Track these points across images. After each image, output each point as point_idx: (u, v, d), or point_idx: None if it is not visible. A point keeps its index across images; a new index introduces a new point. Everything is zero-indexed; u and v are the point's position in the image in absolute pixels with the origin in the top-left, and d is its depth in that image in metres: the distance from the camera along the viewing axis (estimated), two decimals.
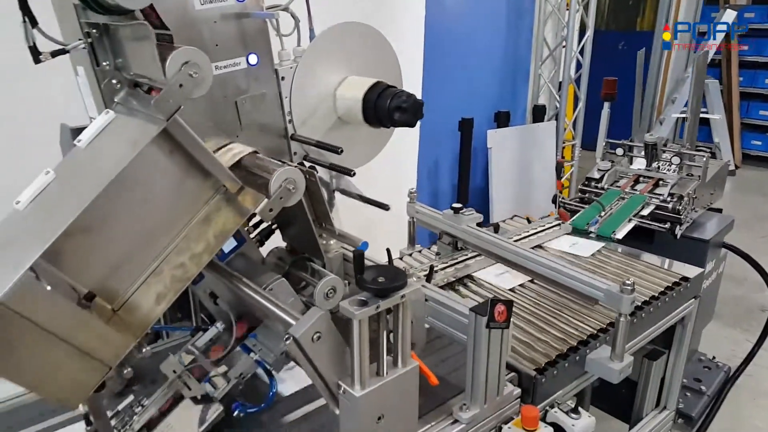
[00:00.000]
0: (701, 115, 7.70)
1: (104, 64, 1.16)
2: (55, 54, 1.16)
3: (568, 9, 5.16)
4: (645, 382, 2.47)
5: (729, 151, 7.41)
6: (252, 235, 1.58)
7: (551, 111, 5.47)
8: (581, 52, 5.35)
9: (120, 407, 1.42)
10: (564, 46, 5.27)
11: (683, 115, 7.29)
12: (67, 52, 1.17)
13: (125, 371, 1.52)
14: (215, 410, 1.39)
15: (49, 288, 0.99)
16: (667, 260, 2.49)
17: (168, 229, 1.15)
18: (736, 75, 7.38)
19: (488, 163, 4.95)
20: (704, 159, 2.85)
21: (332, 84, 1.48)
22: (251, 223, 1.60)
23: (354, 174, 1.41)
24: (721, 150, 7.47)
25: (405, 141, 3.95)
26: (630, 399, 2.58)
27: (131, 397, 1.46)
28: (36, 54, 1.14)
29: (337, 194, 1.75)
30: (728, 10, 6.33)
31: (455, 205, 2.26)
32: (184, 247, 1.17)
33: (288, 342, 1.11)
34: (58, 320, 1.02)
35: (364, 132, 1.53)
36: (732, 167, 7.44)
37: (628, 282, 1.71)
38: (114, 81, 1.17)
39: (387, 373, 1.21)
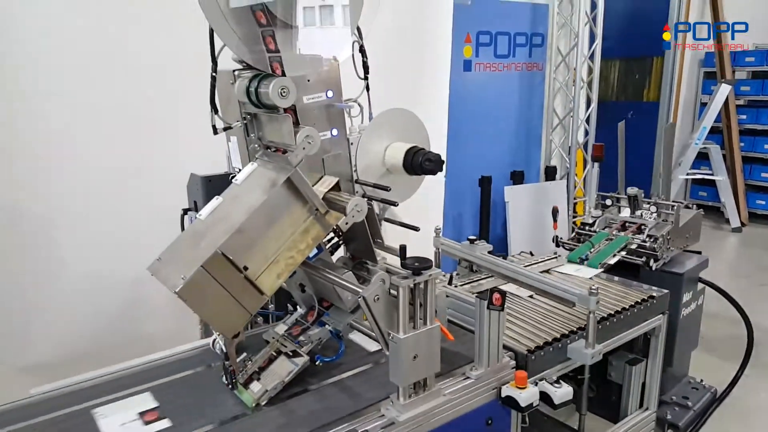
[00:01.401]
0: (707, 177, 8.37)
1: (251, 135, 1.94)
2: (225, 129, 1.94)
3: (574, 85, 5.97)
4: (628, 385, 3.08)
5: (734, 209, 8.01)
6: (327, 247, 2.31)
7: (562, 171, 6.20)
8: (587, 121, 6.12)
9: (239, 359, 2.12)
10: (572, 116, 6.05)
11: (688, 177, 7.97)
12: (231, 128, 1.95)
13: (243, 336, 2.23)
14: (303, 360, 2.08)
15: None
16: (644, 285, 3.14)
17: (283, 234, 1.88)
18: (737, 141, 8.05)
19: (506, 215, 5.67)
20: (675, 208, 3.52)
21: (382, 147, 2.24)
22: (325, 240, 2.33)
23: (397, 205, 2.14)
24: (727, 208, 8.08)
25: (431, 196, 4.70)
26: (619, 404, 3.18)
27: (244, 354, 2.16)
28: (215, 129, 1.92)
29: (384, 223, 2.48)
30: (723, 85, 7.08)
31: (471, 237, 2.97)
32: (293, 245, 1.90)
33: (359, 298, 1.82)
34: (228, 280, 1.75)
35: (403, 179, 2.27)
36: (738, 224, 8.01)
37: (593, 288, 2.38)
38: (256, 145, 1.95)
39: (419, 327, 1.90)
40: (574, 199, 6.17)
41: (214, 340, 2.31)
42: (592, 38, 6.09)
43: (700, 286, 3.65)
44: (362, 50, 2.11)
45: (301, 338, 2.17)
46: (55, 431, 1.91)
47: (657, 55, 7.95)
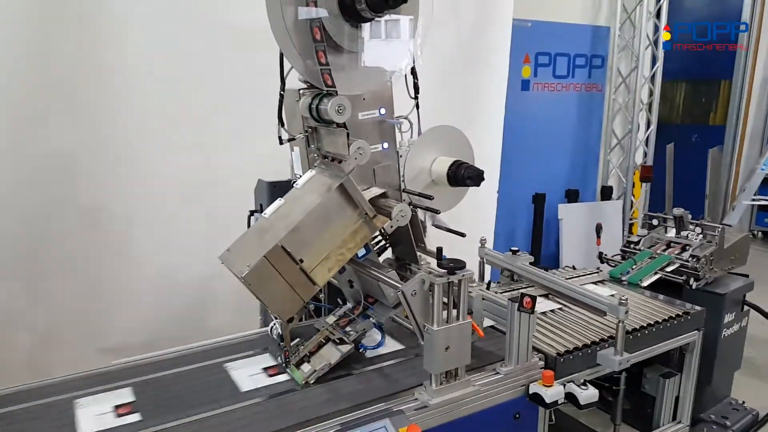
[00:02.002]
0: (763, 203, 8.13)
1: (312, 146, 2.22)
2: (289, 140, 2.24)
3: (633, 107, 6.04)
4: (662, 398, 3.18)
5: None
6: (375, 248, 2.56)
7: (619, 191, 6.25)
8: (646, 142, 6.16)
9: (292, 343, 2.40)
10: (630, 137, 6.11)
11: (753, 203, 7.81)
12: (294, 139, 2.24)
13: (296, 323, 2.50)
14: (348, 347, 2.34)
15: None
16: (678, 301, 3.24)
17: (336, 233, 2.15)
18: None
19: (559, 232, 5.78)
20: (720, 230, 3.59)
21: (429, 160, 2.49)
22: (373, 242, 2.59)
23: (439, 212, 2.37)
24: None
25: (483, 211, 4.90)
26: (650, 417, 3.28)
27: (297, 340, 2.44)
28: (281, 140, 2.22)
29: (430, 229, 2.71)
30: None
31: (513, 248, 3.16)
32: (343, 244, 2.17)
33: (399, 293, 2.07)
34: (286, 270, 2.03)
35: (447, 190, 2.51)
36: None
37: (623, 298, 2.53)
38: (315, 155, 2.23)
39: (452, 321, 2.13)
40: (630, 220, 6.20)
41: (272, 326, 2.59)
42: (653, 60, 6.14)
43: (744, 308, 3.69)
44: (413, 72, 2.36)
45: (348, 328, 2.43)
46: (149, 389, 2.26)
47: (725, 78, 7.85)
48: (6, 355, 3.49)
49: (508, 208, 5.21)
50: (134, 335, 3.75)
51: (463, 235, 2.53)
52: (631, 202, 6.19)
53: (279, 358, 2.39)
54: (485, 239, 3.36)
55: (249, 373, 2.35)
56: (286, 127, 2.24)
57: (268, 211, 2.15)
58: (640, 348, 2.84)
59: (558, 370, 2.53)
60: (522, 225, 5.73)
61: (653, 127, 6.11)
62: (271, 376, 2.33)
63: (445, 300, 2.11)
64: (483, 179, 2.41)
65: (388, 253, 2.63)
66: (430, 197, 2.32)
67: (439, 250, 2.16)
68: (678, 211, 3.78)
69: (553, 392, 2.39)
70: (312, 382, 2.26)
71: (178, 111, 3.62)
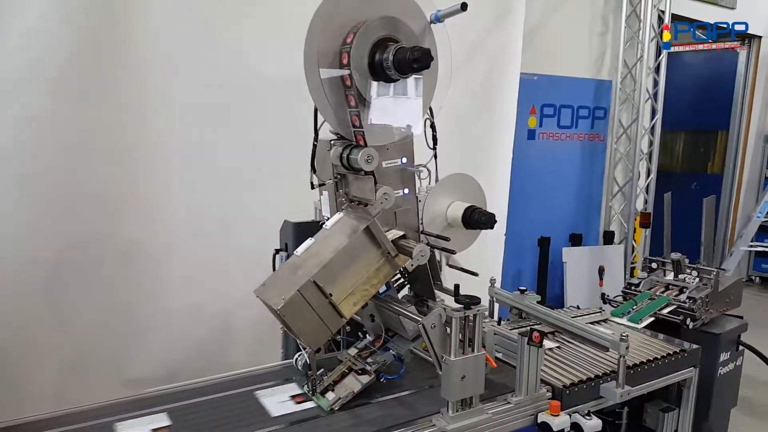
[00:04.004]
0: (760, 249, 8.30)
1: (340, 191, 2.46)
2: (320, 185, 2.48)
3: (634, 156, 6.32)
4: (661, 431, 3.33)
5: None
6: (394, 285, 2.77)
7: (621, 236, 6.48)
8: (646, 190, 6.41)
9: (318, 372, 2.59)
10: (631, 185, 6.36)
11: (750, 248, 8.01)
12: (324, 184, 2.48)
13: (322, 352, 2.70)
14: (369, 377, 2.53)
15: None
16: (677, 340, 3.43)
17: (361, 270, 2.36)
18: None
19: (563, 274, 5.98)
20: (715, 273, 3.80)
21: (445, 205, 2.72)
22: (393, 280, 2.80)
23: (455, 252, 2.59)
24: None
25: (491, 252, 5.12)
26: None
27: (321, 370, 2.63)
28: (312, 185, 2.46)
29: (445, 269, 2.93)
30: None
31: (521, 288, 3.37)
32: (367, 280, 2.38)
33: (419, 325, 2.27)
34: (317, 303, 2.24)
35: (462, 232, 2.73)
36: None
37: (624, 334, 2.72)
38: (343, 199, 2.47)
39: (467, 353, 2.32)
40: (632, 263, 6.40)
41: (297, 357, 2.79)
42: (653, 112, 6.44)
43: (739, 348, 3.87)
44: (432, 126, 2.61)
45: (369, 360, 2.62)
46: (184, 414, 2.44)
47: (722, 129, 8.16)
48: (31, 382, 3.65)
49: (515, 250, 5.44)
50: (158, 367, 3.93)
51: (476, 274, 2.75)
52: (632, 246, 6.41)
53: (305, 387, 2.58)
54: (494, 279, 3.57)
55: (278, 400, 2.53)
56: (317, 173, 2.48)
57: (300, 249, 2.37)
58: (640, 382, 3.02)
59: (564, 400, 2.71)
60: (528, 266, 5.94)
61: (653, 175, 6.38)
62: (298, 403, 2.51)
63: (461, 334, 2.31)
64: (495, 221, 2.63)
65: (405, 290, 2.85)
66: (446, 239, 2.54)
67: (457, 287, 2.37)
68: (675, 255, 3.99)
69: (560, 421, 2.57)
70: (337, 408, 2.44)
71: (213, 152, 3.89)
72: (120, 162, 3.70)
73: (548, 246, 5.73)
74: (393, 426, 2.32)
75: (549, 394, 2.70)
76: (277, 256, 3.24)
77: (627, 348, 2.72)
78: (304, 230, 3.01)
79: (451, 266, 2.89)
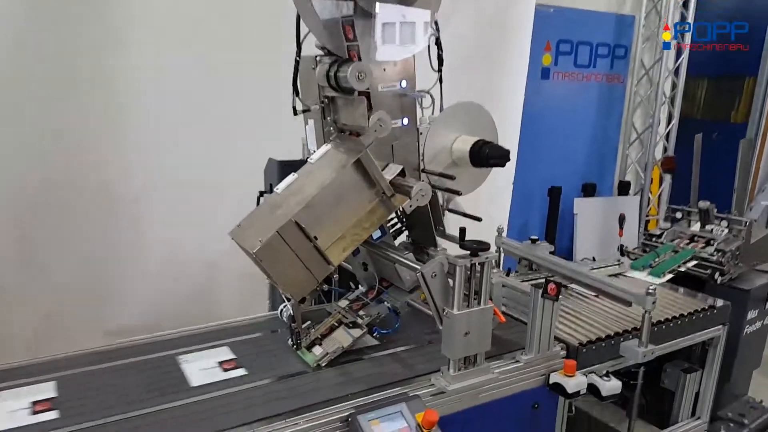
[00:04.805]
0: None
1: (328, 118, 2.12)
2: (303, 112, 2.14)
3: (656, 100, 5.88)
4: (681, 393, 3.07)
5: None
6: (390, 230, 2.46)
7: (637, 187, 6.12)
8: (667, 137, 6.01)
9: (303, 326, 2.30)
10: (651, 131, 5.96)
11: None
12: (309, 110, 2.14)
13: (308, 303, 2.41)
14: (360, 331, 2.24)
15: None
16: (702, 295, 3.14)
17: (351, 211, 2.04)
18: None
19: (574, 228, 5.65)
20: (747, 224, 3.46)
21: (451, 139, 2.37)
22: (389, 224, 2.48)
23: (461, 194, 2.26)
24: None
25: (497, 202, 4.78)
26: (670, 412, 3.17)
27: (308, 323, 2.34)
28: (295, 111, 2.12)
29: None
30: None
31: (532, 237, 3.06)
32: (358, 223, 2.06)
33: (417, 274, 1.96)
34: (300, 247, 1.93)
35: (469, 171, 2.39)
36: None
37: (651, 288, 2.42)
38: (331, 128, 2.13)
39: (472, 306, 2.02)
40: (647, 216, 6.06)
41: (282, 308, 2.50)
42: (678, 52, 5.99)
43: None
44: (438, 43, 2.24)
45: (361, 312, 2.33)
46: (141, 373, 2.15)
47: (750, 75, 7.65)
48: (6, 336, 3.42)
49: (523, 200, 5.10)
50: (141, 318, 3.67)
51: (479, 219, 2.42)
52: (649, 198, 6.06)
53: (290, 340, 2.30)
54: (502, 228, 3.25)
55: (200, 367, 2.18)
56: (300, 96, 2.14)
57: (281, 186, 2.05)
58: (663, 341, 2.73)
59: (579, 360, 2.43)
60: (536, 218, 5.61)
61: (675, 121, 5.96)
62: (225, 371, 2.16)
63: (466, 284, 2.01)
64: (508, 159, 2.30)
65: (403, 237, 2.53)
66: (451, 177, 2.21)
67: (462, 230, 2.06)
68: (704, 204, 3.65)
69: (575, 382, 2.29)
70: (324, 365, 2.16)
71: (188, 88, 3.53)
72: (86, 101, 3.36)
73: (559, 196, 5.38)
74: (386, 384, 2.04)
75: (563, 353, 2.41)
76: (262, 199, 2.92)
77: (654, 303, 2.43)
78: (290, 169, 2.66)
79: (452, 211, 2.56)
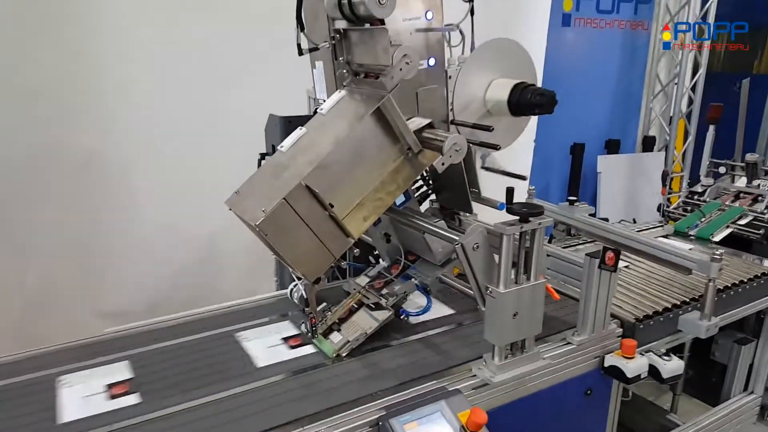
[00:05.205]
0: None
1: (340, 59, 1.75)
2: (311, 50, 1.77)
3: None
4: (734, 366, 2.76)
5: None
6: (416, 195, 2.11)
7: (661, 143, 5.74)
8: (693, 89, 5.59)
9: (318, 308, 1.97)
10: (676, 83, 5.55)
11: None
12: (318, 49, 1.76)
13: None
14: (387, 314, 1.90)
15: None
16: (757, 257, 2.81)
17: (372, 172, 1.69)
18: None
19: (597, 187, 5.29)
20: None
21: (483, 85, 2.00)
22: (413, 187, 2.13)
23: (500, 148, 1.90)
24: None
25: (518, 162, 4.40)
26: (720, 386, 2.87)
27: (324, 305, 2.01)
28: (300, 49, 1.75)
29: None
30: None
31: (570, 198, 2.70)
32: (381, 186, 1.71)
33: (457, 246, 1.62)
34: (313, 217, 1.58)
35: (505, 121, 2.03)
36: None
37: (717, 253, 2.08)
38: (344, 71, 1.76)
39: (521, 282, 1.68)
40: (671, 174, 5.68)
41: (292, 288, 2.17)
42: None
43: None
44: None
45: (385, 291, 2.00)
46: (149, 364, 1.86)
47: None
48: None
49: (543, 160, 4.72)
50: (134, 298, 3.35)
51: (523, 178, 2.09)
52: (674, 155, 5.67)
53: (303, 327, 1.97)
54: (533, 188, 2.90)
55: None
56: (306, 32, 1.76)
57: (286, 143, 1.70)
58: (722, 311, 2.40)
59: (636, 338, 2.10)
60: (557, 178, 5.23)
61: (702, 71, 5.53)
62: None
63: (515, 257, 1.67)
64: (555, 102, 1.93)
65: (427, 203, 2.19)
66: (488, 128, 1.85)
67: (510, 191, 1.70)
68: (752, 156, 3.30)
69: (636, 365, 1.98)
70: (344, 354, 1.83)
71: (180, 43, 3.14)
72: (70, 60, 2.98)
73: (582, 154, 5.01)
74: (420, 378, 1.72)
75: (619, 331, 2.08)
76: (264, 162, 2.56)
77: (720, 270, 2.10)
78: (294, 126, 2.31)
79: (488, 169, 2.21)
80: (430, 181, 2.11)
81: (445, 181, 1.99)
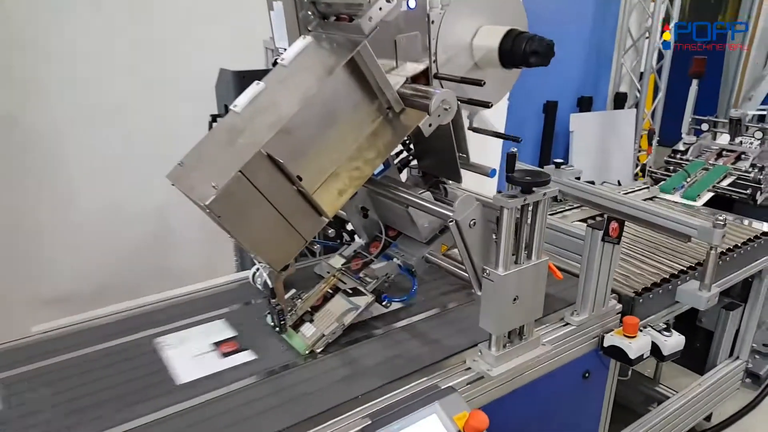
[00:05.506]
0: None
1: None
2: None
3: (653, 0, 5.24)
4: (721, 332, 2.64)
5: None
6: (395, 161, 1.84)
7: (632, 99, 5.58)
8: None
9: (286, 296, 1.70)
10: (647, 37, 5.36)
11: (760, 113, 7.21)
12: None
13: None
14: (366, 300, 1.65)
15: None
16: (747, 219, 2.68)
17: (347, 136, 1.42)
18: None
19: (569, 146, 5.11)
20: None
21: (470, 32, 1.72)
22: (393, 153, 1.86)
23: (491, 106, 1.65)
24: None
25: (493, 121, 4.16)
26: (705, 353, 2.75)
27: (293, 291, 1.75)
28: None
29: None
30: None
31: (557, 160, 2.48)
32: (358, 154, 1.45)
33: (451, 223, 1.37)
34: (277, 193, 1.31)
35: (493, 74, 1.77)
36: None
37: (720, 218, 1.90)
38: (309, 12, 1.46)
39: (522, 262, 1.45)
40: (642, 131, 5.54)
41: (255, 272, 1.90)
42: None
43: None
44: None
45: (363, 274, 1.74)
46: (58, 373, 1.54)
47: None
48: None
49: (517, 119, 4.48)
50: (78, 283, 3.01)
51: (518, 139, 1.84)
52: (644, 112, 5.51)
53: (268, 318, 1.70)
54: (515, 150, 2.68)
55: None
56: None
57: (241, 101, 1.40)
58: (717, 279, 2.24)
59: (635, 313, 1.93)
60: (529, 137, 5.01)
61: (673, 23, 5.33)
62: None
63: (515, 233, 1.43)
64: (554, 54, 1.68)
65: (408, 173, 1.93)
66: (479, 83, 1.59)
67: (511, 156, 1.46)
68: (737, 112, 3.14)
69: (639, 345, 1.80)
70: (319, 351, 1.58)
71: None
72: None
73: (555, 112, 4.80)
74: (408, 375, 1.49)
75: (619, 307, 1.89)
76: (215, 125, 2.25)
77: (723, 237, 1.92)
78: (250, 82, 2.00)
79: (476, 130, 1.96)
80: (411, 146, 1.84)
81: (430, 144, 1.73)
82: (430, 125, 1.46)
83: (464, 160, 1.78)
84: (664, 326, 1.95)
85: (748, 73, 7.58)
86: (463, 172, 1.74)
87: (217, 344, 1.63)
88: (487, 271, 1.42)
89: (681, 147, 3.28)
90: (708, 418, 2.82)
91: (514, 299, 1.45)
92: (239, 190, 1.27)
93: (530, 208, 1.42)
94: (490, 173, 1.78)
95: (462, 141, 1.74)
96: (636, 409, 2.65)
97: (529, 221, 1.44)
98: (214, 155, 1.37)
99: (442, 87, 1.68)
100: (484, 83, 1.57)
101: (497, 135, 1.85)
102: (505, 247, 1.39)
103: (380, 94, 1.43)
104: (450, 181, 1.78)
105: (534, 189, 1.39)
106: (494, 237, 1.48)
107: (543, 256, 1.49)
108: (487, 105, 1.64)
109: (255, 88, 1.42)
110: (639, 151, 5.58)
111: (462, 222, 1.37)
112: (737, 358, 2.76)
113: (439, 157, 1.75)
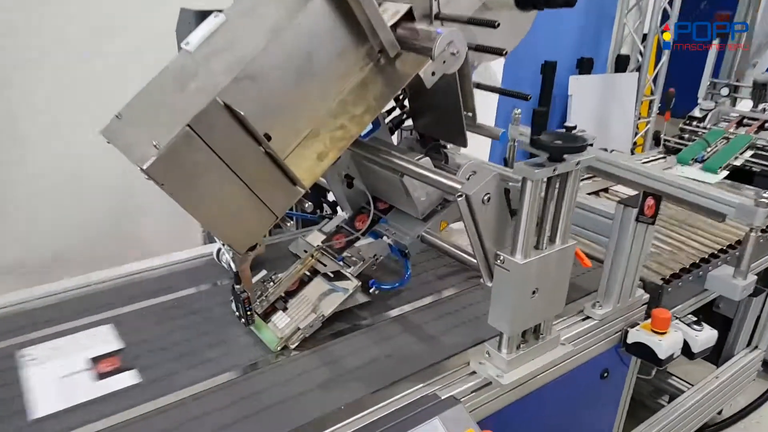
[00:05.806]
0: None
1: None
2: None
3: None
4: (741, 319, 2.40)
5: None
6: (386, 121, 1.54)
7: (634, 63, 5.27)
8: (670, 3, 5.08)
9: (256, 279, 1.43)
10: None
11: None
12: None
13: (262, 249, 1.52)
14: (351, 285, 1.37)
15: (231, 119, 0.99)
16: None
17: (328, 86, 1.13)
18: None
19: (567, 111, 4.81)
20: None
21: None
22: (384, 110, 1.57)
23: (506, 53, 1.35)
24: None
25: (486, 81, 3.86)
26: (720, 342, 2.51)
27: (263, 272, 1.47)
28: None
29: None
30: None
31: (568, 124, 2.18)
32: (341, 110, 1.15)
33: (460, 199, 1.09)
34: (238, 155, 1.01)
35: (506, 17, 1.46)
36: None
37: (765, 195, 1.64)
38: None
39: (544, 247, 1.18)
40: (643, 97, 5.25)
41: (219, 249, 1.61)
42: None
43: None
44: None
45: (347, 253, 1.46)
46: None
47: None
48: None
49: (512, 80, 4.17)
50: (34, 251, 2.69)
51: (525, 98, 1.56)
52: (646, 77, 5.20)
53: (233, 306, 1.42)
54: (519, 112, 2.40)
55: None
56: None
57: (193, 39, 1.09)
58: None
59: (663, 303, 1.67)
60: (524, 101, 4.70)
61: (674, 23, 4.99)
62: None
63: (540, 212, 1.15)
64: None
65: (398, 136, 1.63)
66: (492, 24, 1.29)
67: (540, 114, 1.17)
68: (763, 76, 2.85)
69: (670, 342, 1.53)
70: (294, 346, 1.31)
71: None
72: None
73: (553, 73, 4.48)
74: (401, 380, 1.22)
75: (646, 297, 1.63)
76: (161, 70, 1.91)
77: (767, 217, 1.66)
78: None
79: (479, 86, 1.66)
80: (405, 102, 1.54)
81: (430, 100, 1.43)
82: (433, 74, 1.17)
83: (470, 120, 1.48)
84: (695, 319, 1.70)
85: (753, 41, 7.31)
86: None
87: (95, 360, 1.28)
88: (502, 258, 1.14)
89: (697, 113, 3.00)
90: (719, 411, 2.61)
91: (534, 292, 1.18)
92: (188, 150, 0.97)
93: (558, 182, 1.14)
94: (501, 137, 1.49)
95: (469, 97, 1.45)
96: (644, 401, 2.42)
97: (555, 197, 1.15)
98: (157, 106, 1.07)
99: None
100: (498, 25, 1.27)
101: (503, 92, 1.57)
102: (526, 230, 1.11)
103: (371, 34, 1.13)
104: (450, 146, 1.49)
105: (566, 156, 1.10)
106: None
107: (569, 240, 1.21)
108: (501, 53, 1.33)
109: (213, 21, 1.11)
110: (639, 118, 5.30)
111: (474, 197, 1.09)
112: (756, 347, 2.53)
113: (440, 116, 1.45)
